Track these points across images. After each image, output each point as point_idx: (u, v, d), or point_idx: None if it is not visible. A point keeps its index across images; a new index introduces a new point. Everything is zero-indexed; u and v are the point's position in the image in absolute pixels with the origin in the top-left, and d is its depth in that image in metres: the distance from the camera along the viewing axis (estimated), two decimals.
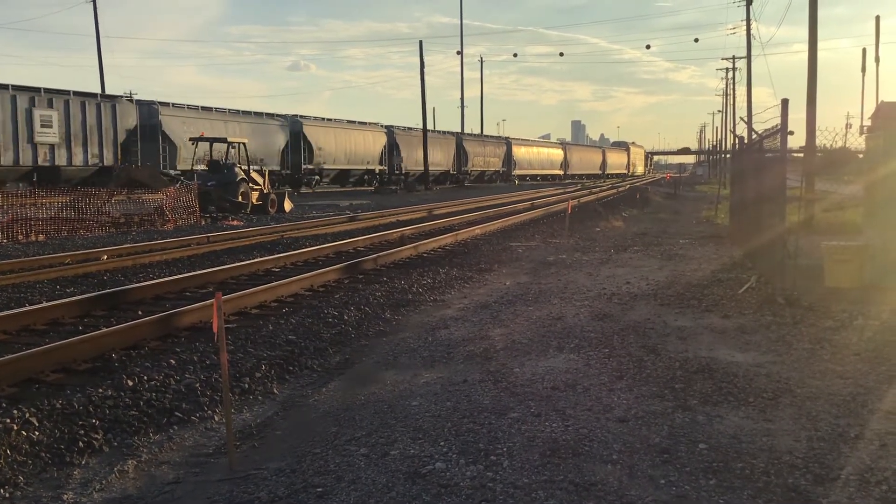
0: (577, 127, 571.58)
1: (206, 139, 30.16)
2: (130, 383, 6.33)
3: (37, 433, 5.28)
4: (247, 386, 6.66)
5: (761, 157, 12.08)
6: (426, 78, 59.89)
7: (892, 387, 6.20)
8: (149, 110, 37.63)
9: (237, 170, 28.35)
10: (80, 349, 7.25)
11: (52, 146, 31.71)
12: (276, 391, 6.69)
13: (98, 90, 45.54)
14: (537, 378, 6.63)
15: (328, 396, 6.44)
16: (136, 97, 37.68)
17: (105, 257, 14.71)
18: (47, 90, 32.40)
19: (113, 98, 36.28)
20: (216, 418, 5.94)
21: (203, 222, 24.29)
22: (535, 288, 11.54)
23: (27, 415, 5.48)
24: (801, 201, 18.41)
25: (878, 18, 46.17)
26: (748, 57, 51.34)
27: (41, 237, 18.99)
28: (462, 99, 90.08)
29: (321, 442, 5.29)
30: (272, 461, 5.01)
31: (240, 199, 27.63)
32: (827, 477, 4.50)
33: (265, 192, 29.42)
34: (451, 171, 67.24)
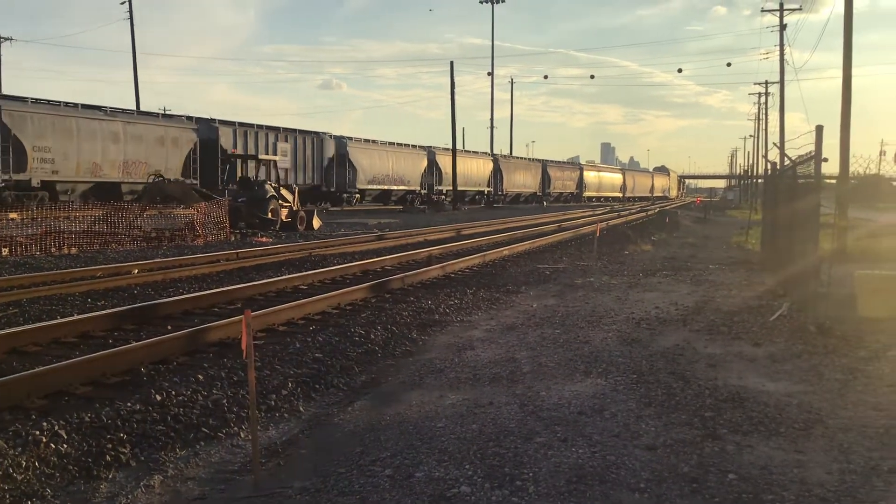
0: (607, 149, 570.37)
1: (239, 156, 30.50)
2: (158, 398, 6.37)
3: (65, 446, 5.32)
4: (273, 403, 6.68)
5: (794, 184, 11.96)
6: (456, 98, 60.21)
7: None
8: (339, 143, 49.10)
9: (267, 187, 28.59)
10: (110, 363, 7.31)
11: (286, 170, 41.86)
12: (301, 409, 6.69)
13: (133, 106, 47.79)
14: (564, 402, 6.58)
15: (353, 416, 6.43)
16: (331, 133, 49.31)
17: (136, 271, 14.87)
18: (284, 129, 44.46)
19: (321, 134, 47.64)
20: (242, 435, 5.95)
21: (233, 238, 24.49)
22: (562, 311, 11.48)
23: (56, 427, 5.52)
24: (834, 229, 18.20)
25: None
26: (781, 82, 51.12)
27: (74, 250, 19.24)
28: (492, 119, 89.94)
29: (346, 462, 5.28)
30: (297, 480, 5.00)
31: (269, 215, 27.83)
32: None
33: (294, 209, 29.62)
34: (538, 193, 78.68)
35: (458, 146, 62.96)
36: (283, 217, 28.67)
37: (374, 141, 53.89)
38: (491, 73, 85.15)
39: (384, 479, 4.91)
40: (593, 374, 7.59)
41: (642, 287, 14.28)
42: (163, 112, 38.67)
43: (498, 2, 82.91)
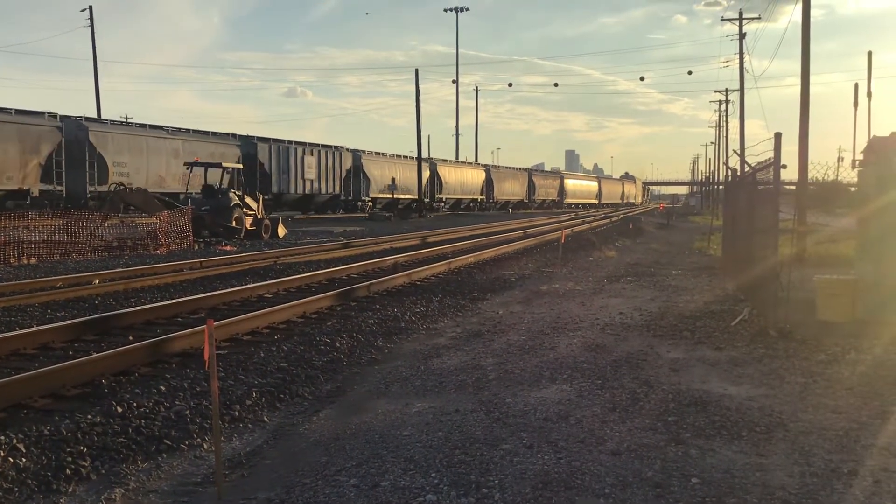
0: (571, 156, 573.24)
1: (202, 164, 30.24)
2: (120, 410, 6.28)
3: (24, 460, 5.23)
4: (237, 414, 6.62)
5: (754, 190, 12.14)
6: (421, 106, 60.30)
7: (885, 422, 6.19)
8: (355, 155, 54.26)
9: (231, 195, 28.34)
10: (70, 374, 7.19)
11: (311, 181, 48.72)
12: (266, 419, 6.64)
13: (94, 114, 47.71)
14: (529, 409, 6.60)
15: (319, 425, 6.39)
16: (348, 147, 54.17)
17: (97, 281, 14.66)
18: (310, 144, 49.50)
19: (339, 148, 52.69)
20: (205, 446, 5.88)
21: (196, 247, 24.24)
22: (527, 317, 11.52)
23: (14, 441, 5.43)
24: (793, 234, 18.49)
25: (870, 54, 46.54)
26: (741, 90, 51.82)
27: (33, 260, 18.92)
28: (457, 127, 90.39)
29: (311, 472, 5.24)
30: (261, 491, 4.96)
31: (234, 224, 27.59)
32: None
33: (259, 217, 29.40)
34: (525, 200, 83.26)
35: (424, 154, 63.22)
36: (248, 225, 28.45)
37: (383, 154, 59.86)
38: (456, 81, 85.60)
39: (350, 489, 4.89)
40: (559, 380, 7.63)
41: (607, 293, 14.39)
42: (212, 131, 42.95)
43: (462, 10, 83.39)
